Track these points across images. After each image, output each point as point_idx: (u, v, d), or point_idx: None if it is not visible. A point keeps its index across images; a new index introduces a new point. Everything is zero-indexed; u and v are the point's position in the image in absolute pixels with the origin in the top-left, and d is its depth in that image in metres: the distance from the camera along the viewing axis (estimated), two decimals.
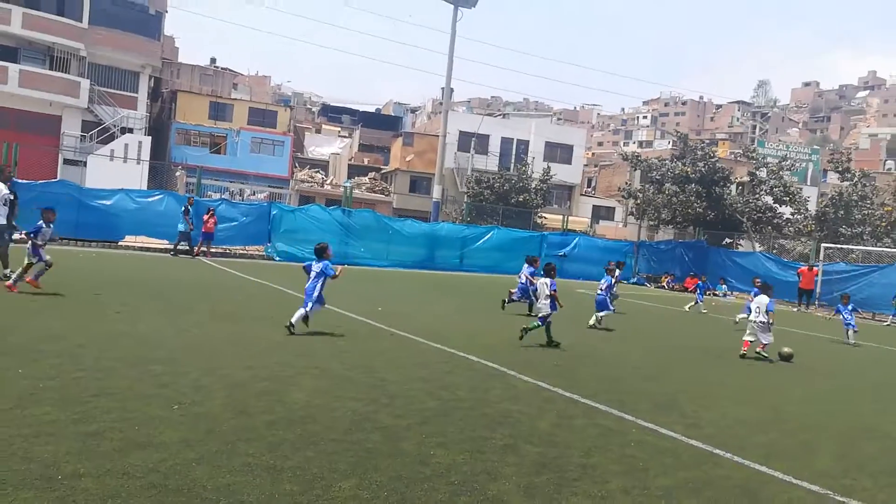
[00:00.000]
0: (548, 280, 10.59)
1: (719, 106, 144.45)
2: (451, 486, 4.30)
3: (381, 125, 65.28)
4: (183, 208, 21.31)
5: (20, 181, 20.45)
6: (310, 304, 9.43)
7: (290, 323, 9.17)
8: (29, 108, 37.04)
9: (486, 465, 4.76)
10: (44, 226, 10.88)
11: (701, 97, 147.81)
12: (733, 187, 38.94)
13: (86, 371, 6.14)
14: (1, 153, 22.18)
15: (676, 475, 4.98)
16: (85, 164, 36.69)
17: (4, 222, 11.81)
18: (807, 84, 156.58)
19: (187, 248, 21.51)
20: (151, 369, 6.47)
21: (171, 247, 21.61)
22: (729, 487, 4.83)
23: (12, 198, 12.42)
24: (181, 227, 21.31)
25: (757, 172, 36.77)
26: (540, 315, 10.50)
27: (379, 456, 4.72)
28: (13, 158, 21.90)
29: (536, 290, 11.13)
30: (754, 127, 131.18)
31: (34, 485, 3.70)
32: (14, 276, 10.65)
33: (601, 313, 13.42)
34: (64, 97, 37.95)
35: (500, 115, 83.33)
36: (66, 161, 37.37)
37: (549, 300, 10.37)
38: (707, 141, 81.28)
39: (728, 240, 35.75)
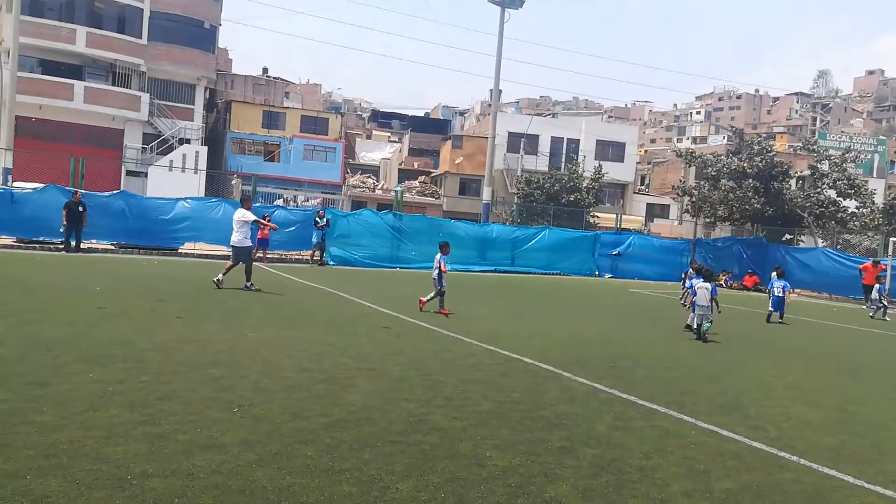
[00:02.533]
0: (708, 285, 12.01)
1: (776, 98, 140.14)
2: (509, 489, 4.28)
3: (430, 129, 65.62)
4: (314, 220, 22.72)
5: (87, 192, 21.33)
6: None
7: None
8: (94, 123, 38.58)
9: (543, 467, 4.72)
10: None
11: (756, 90, 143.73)
12: (793, 182, 37.66)
13: (151, 375, 6.35)
14: (69, 167, 23.18)
15: (740, 478, 4.84)
16: (146, 174, 38.00)
17: (251, 243, 14.29)
18: (871, 72, 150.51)
19: (319, 258, 22.92)
20: (212, 373, 6.64)
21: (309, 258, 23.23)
22: (796, 492, 4.67)
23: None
24: (315, 238, 22.65)
25: (818, 165, 35.46)
26: (709, 318, 11.89)
27: (435, 458, 4.74)
28: (80, 171, 22.87)
29: (695, 293, 12.23)
30: (814, 119, 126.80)
31: (106, 484, 3.84)
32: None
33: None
34: (126, 111, 39.40)
35: (549, 114, 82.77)
36: (129, 172, 38.77)
37: (711, 303, 11.88)
38: (764, 135, 79.01)
39: (788, 236, 34.62)
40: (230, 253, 15.10)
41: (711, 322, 12.08)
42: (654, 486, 4.53)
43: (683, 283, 13.62)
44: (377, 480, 4.24)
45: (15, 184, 23.64)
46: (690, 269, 14.33)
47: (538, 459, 4.87)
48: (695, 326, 12.20)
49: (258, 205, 24.82)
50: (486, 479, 4.40)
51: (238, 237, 14.13)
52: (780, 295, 16.01)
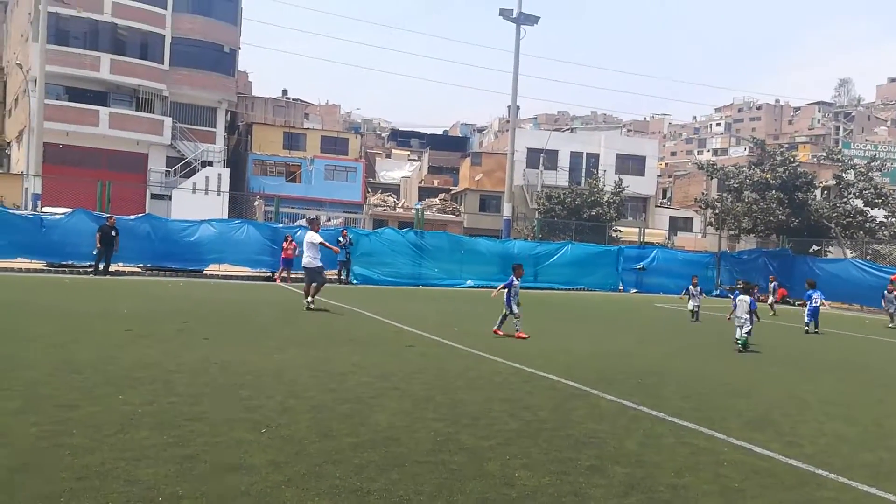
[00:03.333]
0: (747, 298, 12.38)
1: (797, 108, 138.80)
2: None
3: (448, 147, 65.97)
4: (337, 240, 22.74)
5: (106, 214, 21.66)
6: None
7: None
8: (118, 148, 39.32)
9: (572, 486, 4.65)
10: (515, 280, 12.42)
11: (777, 100, 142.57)
12: (818, 192, 37.20)
13: (179, 397, 6.38)
14: (96, 191, 23.58)
15: (775, 497, 4.73)
16: (170, 197, 38.55)
17: (320, 263, 14.71)
18: (893, 79, 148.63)
19: (346, 276, 23.26)
20: (239, 394, 6.66)
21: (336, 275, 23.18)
22: None
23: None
24: (340, 255, 22.67)
25: (843, 175, 35.01)
26: (746, 329, 12.35)
27: (464, 477, 4.69)
28: (107, 195, 23.25)
29: (736, 307, 12.61)
30: (837, 128, 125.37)
31: None
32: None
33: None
34: (149, 136, 40.11)
35: (567, 129, 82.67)
36: (153, 196, 39.35)
37: (750, 315, 12.30)
38: (786, 145, 78.23)
39: (815, 247, 34.10)
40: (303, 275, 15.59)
41: (750, 332, 12.48)
42: None
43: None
44: (406, 501, 4.21)
45: (44, 209, 24.12)
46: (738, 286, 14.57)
47: (567, 479, 4.80)
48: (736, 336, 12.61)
49: (281, 225, 25.06)
50: (516, 500, 4.35)
51: (307, 259, 14.76)
52: (817, 304, 17.04)
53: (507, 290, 12.32)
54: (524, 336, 11.97)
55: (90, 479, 4.21)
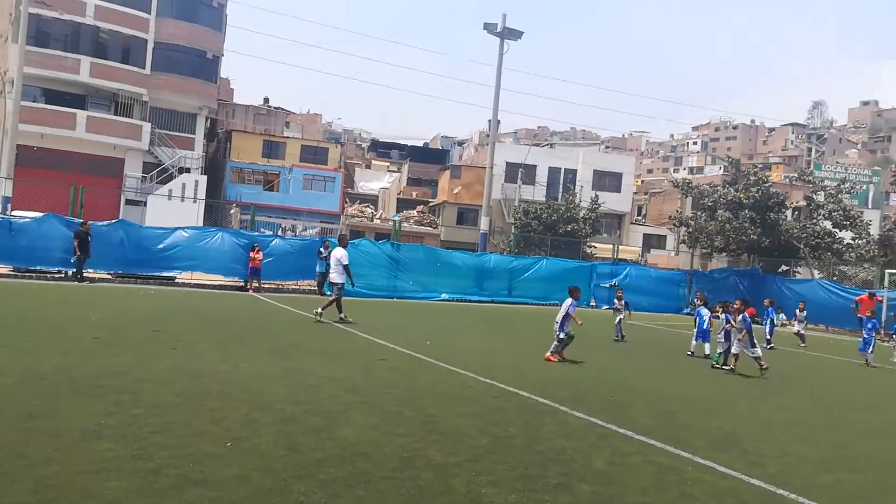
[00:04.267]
0: (722, 316, 12.83)
1: (772, 129, 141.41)
2: None
3: (428, 159, 66.09)
4: (318, 251, 22.86)
5: (77, 220, 21.37)
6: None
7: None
8: (95, 152, 38.77)
9: None
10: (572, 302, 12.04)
11: (752, 121, 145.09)
12: (789, 213, 37.89)
13: (144, 408, 6.30)
14: (69, 196, 23.24)
15: None
16: (145, 203, 38.10)
17: (342, 280, 15.16)
18: (865, 103, 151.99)
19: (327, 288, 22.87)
20: (206, 404, 6.59)
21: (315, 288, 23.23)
22: None
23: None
24: (319, 268, 22.63)
25: (814, 196, 35.71)
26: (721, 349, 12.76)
27: (430, 494, 4.69)
28: (80, 200, 22.91)
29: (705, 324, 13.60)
30: (810, 149, 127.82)
31: None
32: None
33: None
34: (127, 140, 39.64)
35: (546, 144, 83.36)
36: (128, 201, 38.86)
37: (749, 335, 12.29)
38: (760, 165, 79.64)
39: (784, 267, 34.66)
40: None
41: (727, 352, 12.88)
42: None
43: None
44: None
45: (13, 212, 23.68)
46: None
47: (534, 496, 4.82)
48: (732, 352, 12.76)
49: (257, 234, 24.88)
50: None
51: (334, 275, 15.36)
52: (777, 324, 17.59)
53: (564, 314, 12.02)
54: (554, 360, 11.70)
55: (45, 492, 4.13)
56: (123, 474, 4.54)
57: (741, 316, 12.39)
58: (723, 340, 12.98)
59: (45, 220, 21.22)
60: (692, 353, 14.42)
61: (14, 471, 4.44)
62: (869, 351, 15.70)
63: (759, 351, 12.34)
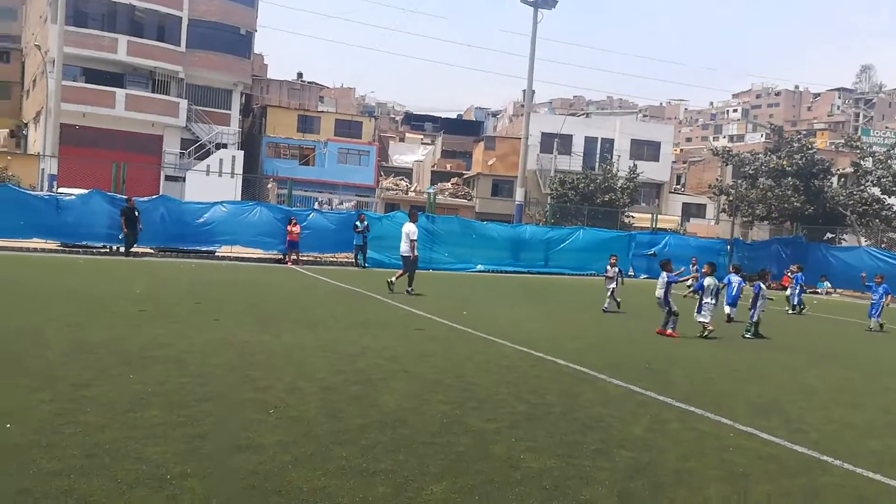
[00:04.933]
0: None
1: (817, 95, 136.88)
2: (543, 491, 4.26)
3: (462, 131, 65.65)
4: (355, 225, 23.25)
5: (120, 196, 21.85)
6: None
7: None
8: (134, 130, 39.46)
9: (578, 469, 4.69)
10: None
11: (796, 86, 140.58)
12: (835, 179, 36.81)
13: (190, 377, 6.47)
14: (111, 173, 23.76)
15: (780, 482, 4.74)
16: (184, 179, 38.76)
17: (415, 254, 15.73)
18: None
19: (362, 260, 23.43)
20: (249, 374, 6.74)
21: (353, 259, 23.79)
22: (840, 497, 4.55)
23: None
24: (356, 240, 23.08)
25: (862, 162, 34.57)
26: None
27: (469, 459, 4.74)
28: (122, 176, 23.42)
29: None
30: (857, 115, 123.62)
31: (146, 484, 3.93)
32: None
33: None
34: (165, 117, 40.24)
35: (583, 114, 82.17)
36: (168, 177, 39.57)
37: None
38: (804, 132, 77.30)
39: (829, 235, 33.78)
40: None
41: (753, 320, 12.61)
42: (691, 490, 4.47)
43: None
44: (411, 482, 4.26)
45: (59, 190, 24.33)
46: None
47: (573, 462, 4.83)
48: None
49: (294, 207, 25.15)
50: (521, 482, 4.38)
51: (405, 248, 15.74)
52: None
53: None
54: (675, 336, 11.61)
55: (100, 457, 4.28)
56: (171, 440, 4.68)
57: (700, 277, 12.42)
58: (751, 309, 12.72)
59: (90, 196, 21.76)
60: (730, 318, 14.46)
61: (70, 436, 4.61)
62: (876, 315, 15.45)
63: (704, 318, 11.96)
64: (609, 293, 15.12)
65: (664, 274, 12.03)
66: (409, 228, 15.83)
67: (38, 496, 3.66)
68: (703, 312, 11.88)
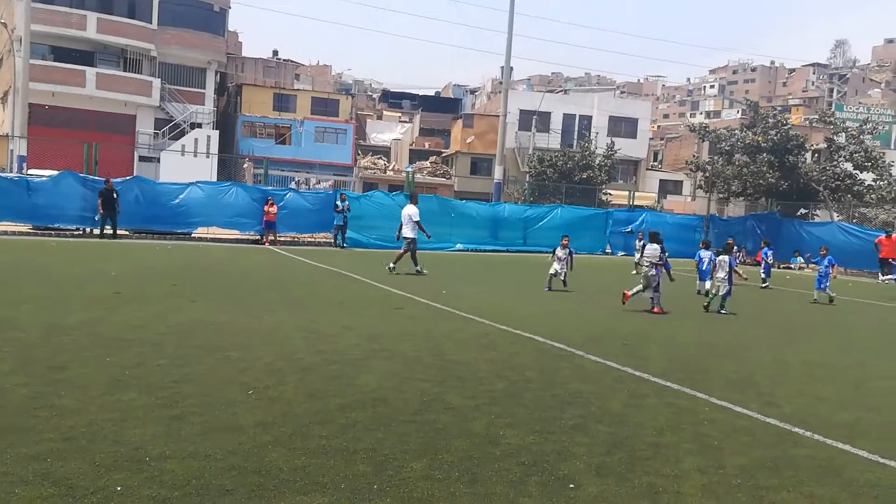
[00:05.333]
0: (726, 258, 12.53)
1: (792, 70, 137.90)
2: (522, 467, 4.31)
3: (440, 108, 65.29)
4: (335, 204, 23.20)
5: (93, 177, 21.51)
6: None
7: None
8: (106, 109, 38.70)
9: (556, 445, 4.75)
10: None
11: (772, 62, 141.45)
12: (808, 155, 37.19)
13: (167, 359, 6.42)
14: (83, 153, 23.31)
15: (753, 454, 4.84)
16: (158, 160, 38.19)
17: (413, 235, 16.02)
18: (890, 41, 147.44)
19: (341, 240, 23.38)
20: (228, 355, 6.71)
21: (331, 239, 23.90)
22: (811, 467, 4.66)
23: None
24: (336, 220, 23.03)
25: (835, 138, 34.97)
26: (724, 291, 12.43)
27: (449, 436, 4.78)
28: (94, 157, 22.98)
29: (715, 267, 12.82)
30: (832, 90, 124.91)
31: (125, 466, 3.91)
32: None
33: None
34: (137, 97, 39.48)
35: (561, 91, 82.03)
36: (142, 158, 38.95)
37: (729, 275, 12.42)
38: (779, 108, 77.92)
39: (803, 210, 34.25)
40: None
41: (728, 294, 12.61)
42: (667, 463, 4.55)
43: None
44: (391, 460, 4.28)
45: (30, 171, 23.84)
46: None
47: (551, 437, 4.89)
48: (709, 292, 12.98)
49: (270, 188, 24.91)
50: (500, 458, 4.43)
51: (406, 230, 16.08)
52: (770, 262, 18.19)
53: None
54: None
55: (77, 440, 4.26)
56: (149, 422, 4.66)
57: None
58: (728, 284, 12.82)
59: (62, 178, 21.36)
60: (700, 292, 15.08)
61: (45, 420, 4.57)
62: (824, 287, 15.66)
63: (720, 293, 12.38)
64: (554, 273, 14.33)
65: (656, 248, 12.08)
66: (412, 210, 16.16)
67: (15, 480, 3.63)
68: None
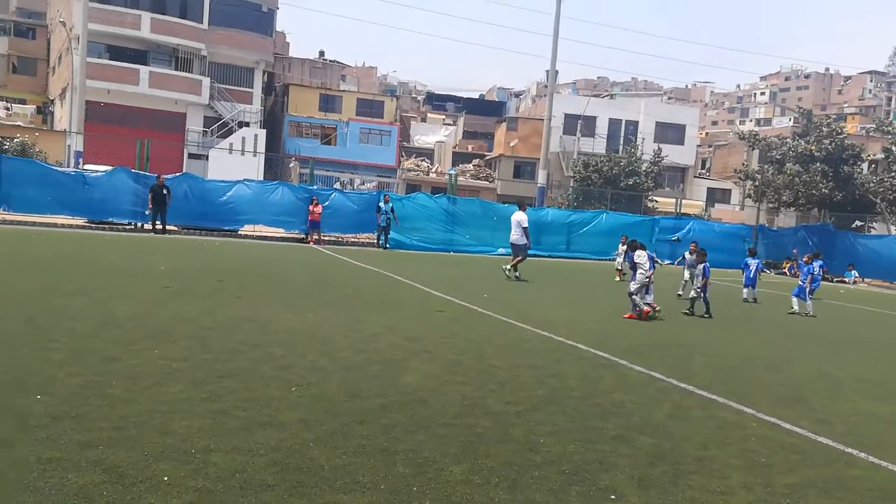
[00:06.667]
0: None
1: (848, 78, 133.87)
2: (563, 475, 4.26)
3: (484, 111, 65.30)
4: (378, 206, 23.42)
5: (144, 173, 22.10)
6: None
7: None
8: (158, 107, 39.74)
9: (598, 454, 4.68)
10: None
11: (827, 69, 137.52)
12: (865, 165, 36.06)
13: (213, 353, 6.54)
14: (135, 150, 23.97)
15: (803, 473, 4.70)
16: (207, 157, 39.01)
17: (523, 242, 16.52)
18: None
19: (384, 241, 23.56)
20: (271, 352, 6.80)
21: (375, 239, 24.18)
22: (864, 489, 4.50)
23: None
24: (380, 220, 23.29)
25: (893, 148, 33.83)
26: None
27: (489, 441, 4.75)
28: (146, 154, 23.61)
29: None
30: (889, 98, 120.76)
31: (172, 457, 3.99)
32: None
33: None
34: (188, 95, 40.43)
35: (606, 95, 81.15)
36: (191, 155, 39.85)
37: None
38: (834, 116, 75.72)
39: (859, 222, 33.19)
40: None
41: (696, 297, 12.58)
42: (712, 478, 4.44)
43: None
44: (431, 462, 4.28)
45: (86, 166, 24.60)
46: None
47: (593, 447, 4.83)
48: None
49: (316, 187, 25.22)
50: (540, 465, 4.39)
51: (515, 236, 16.69)
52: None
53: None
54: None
55: (127, 430, 4.37)
56: (195, 415, 4.75)
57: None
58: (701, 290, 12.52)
59: (115, 173, 22.00)
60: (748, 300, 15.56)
61: (97, 408, 4.70)
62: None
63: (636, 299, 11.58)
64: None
65: (644, 256, 11.72)
66: (521, 217, 16.75)
67: (69, 466, 3.74)
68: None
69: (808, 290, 14.67)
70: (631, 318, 11.32)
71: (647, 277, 11.47)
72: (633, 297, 11.45)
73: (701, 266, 12.67)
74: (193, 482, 3.68)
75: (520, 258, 16.43)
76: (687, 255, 15.13)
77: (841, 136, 34.51)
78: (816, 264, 17.86)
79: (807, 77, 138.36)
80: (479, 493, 3.88)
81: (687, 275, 14.95)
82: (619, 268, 18.40)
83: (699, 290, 12.49)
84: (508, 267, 16.19)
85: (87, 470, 3.71)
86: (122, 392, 5.11)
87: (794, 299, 14.53)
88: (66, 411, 4.59)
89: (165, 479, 3.69)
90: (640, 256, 11.75)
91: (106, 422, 4.46)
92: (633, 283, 11.60)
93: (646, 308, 11.43)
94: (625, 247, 16.72)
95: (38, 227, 19.97)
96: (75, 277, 10.86)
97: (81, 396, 4.93)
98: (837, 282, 26.42)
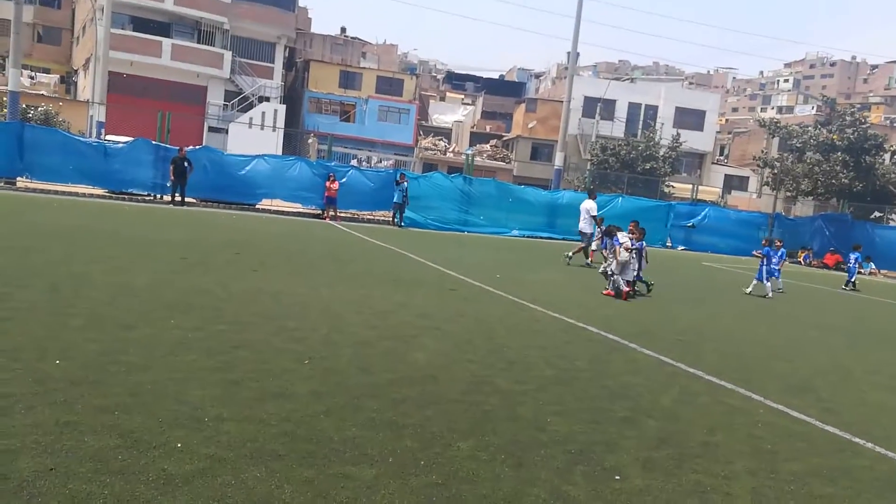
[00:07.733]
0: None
1: (875, 67, 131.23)
2: (569, 455, 4.31)
3: (504, 92, 64.72)
4: (395, 181, 23.45)
5: (165, 145, 22.27)
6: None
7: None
8: (179, 80, 39.89)
9: (604, 436, 4.73)
10: None
11: (853, 57, 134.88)
12: (887, 156, 35.50)
13: (227, 324, 6.64)
14: (156, 122, 24.11)
15: (809, 461, 4.72)
16: (227, 131, 39.17)
17: (590, 230, 16.61)
18: None
19: (399, 219, 23.59)
20: (285, 325, 6.89)
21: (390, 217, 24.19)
22: (870, 479, 4.52)
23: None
24: (396, 198, 23.25)
25: None
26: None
27: (497, 419, 4.81)
28: (167, 126, 23.75)
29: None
30: None
31: (185, 424, 4.09)
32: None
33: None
34: (209, 69, 40.53)
35: (627, 79, 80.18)
36: (211, 129, 40.03)
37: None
38: (858, 105, 74.49)
39: (878, 213, 32.76)
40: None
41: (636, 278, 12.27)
42: (716, 462, 4.48)
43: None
44: (439, 437, 4.35)
45: (107, 137, 24.80)
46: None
47: (599, 428, 4.88)
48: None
49: (333, 163, 25.27)
50: (546, 444, 4.45)
51: (583, 224, 17.09)
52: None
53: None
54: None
55: (143, 396, 4.47)
56: (208, 384, 4.84)
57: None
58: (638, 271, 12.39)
59: (136, 144, 22.17)
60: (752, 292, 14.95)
61: (114, 375, 4.81)
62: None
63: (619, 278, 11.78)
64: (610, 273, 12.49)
65: (626, 237, 12.02)
66: (590, 205, 17.10)
67: (86, 430, 3.84)
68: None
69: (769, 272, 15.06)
70: (609, 294, 11.76)
71: (630, 256, 11.73)
72: (614, 276, 11.78)
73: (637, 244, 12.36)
74: (206, 449, 3.78)
75: (584, 245, 16.77)
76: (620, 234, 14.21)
77: (864, 126, 33.96)
78: (853, 256, 18.13)
79: (832, 65, 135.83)
80: (485, 469, 3.95)
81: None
82: (595, 248, 17.72)
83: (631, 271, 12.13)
84: (570, 254, 16.44)
85: (103, 434, 3.82)
86: (137, 359, 5.22)
87: (755, 281, 14.94)
88: (83, 376, 4.70)
89: (178, 445, 3.79)
90: (623, 237, 12.06)
91: (122, 388, 4.57)
92: (612, 263, 11.96)
93: (626, 287, 11.60)
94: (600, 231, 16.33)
95: (59, 196, 20.21)
96: (94, 246, 11.02)
97: (99, 363, 5.04)
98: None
